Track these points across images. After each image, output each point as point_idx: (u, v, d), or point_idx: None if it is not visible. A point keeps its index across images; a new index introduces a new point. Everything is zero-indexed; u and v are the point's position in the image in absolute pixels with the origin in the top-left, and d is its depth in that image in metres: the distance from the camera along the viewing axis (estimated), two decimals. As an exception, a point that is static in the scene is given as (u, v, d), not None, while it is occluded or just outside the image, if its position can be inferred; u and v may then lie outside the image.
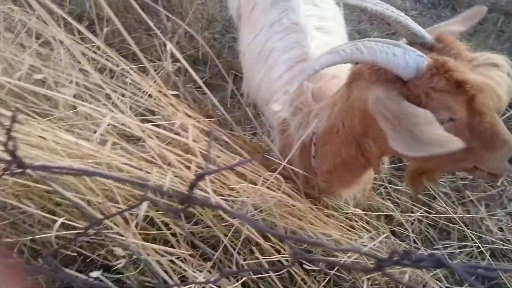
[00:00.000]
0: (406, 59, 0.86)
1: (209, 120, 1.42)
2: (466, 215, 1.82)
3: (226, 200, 0.94)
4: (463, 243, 1.76)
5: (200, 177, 0.36)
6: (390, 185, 1.99)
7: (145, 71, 2.64)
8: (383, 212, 1.83)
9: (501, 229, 1.76)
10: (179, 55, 1.28)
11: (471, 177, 2.00)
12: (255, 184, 0.98)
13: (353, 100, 0.99)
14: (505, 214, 1.83)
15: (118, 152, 1.02)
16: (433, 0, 2.95)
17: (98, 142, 1.03)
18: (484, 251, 1.67)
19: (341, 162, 1.18)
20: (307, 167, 1.32)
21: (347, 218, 1.54)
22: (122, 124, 1.14)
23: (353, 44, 0.90)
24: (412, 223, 1.84)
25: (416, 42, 0.96)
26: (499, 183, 1.92)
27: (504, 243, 1.71)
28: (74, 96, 1.26)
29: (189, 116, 1.43)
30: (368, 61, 0.88)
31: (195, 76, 1.39)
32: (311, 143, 1.26)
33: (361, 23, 2.81)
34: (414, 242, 1.76)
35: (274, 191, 0.99)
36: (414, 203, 1.89)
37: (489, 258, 1.65)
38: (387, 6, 0.99)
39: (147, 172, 0.95)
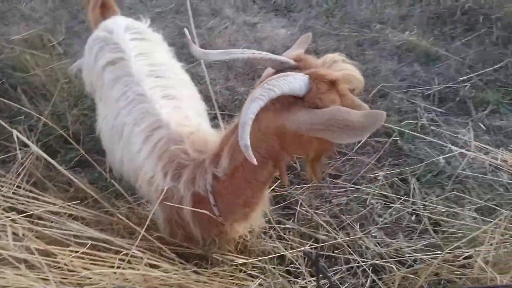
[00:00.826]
0: (298, 83, 1.06)
1: (76, 203, 1.36)
2: (347, 238, 1.99)
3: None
4: (349, 265, 1.91)
5: None
6: (279, 226, 2.10)
7: (11, 161, 2.48)
8: (275, 254, 1.91)
9: (376, 245, 1.95)
10: (28, 141, 1.23)
11: (345, 202, 2.21)
12: (117, 263, 0.96)
13: (265, 129, 1.14)
14: (377, 230, 2.04)
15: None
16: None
17: None
18: (366, 269, 1.84)
19: (258, 184, 1.30)
20: (209, 220, 1.36)
21: (236, 270, 1.57)
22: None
23: (263, 87, 1.04)
24: (303, 258, 1.94)
25: (285, 67, 1.17)
26: (367, 203, 2.15)
27: (382, 257, 1.90)
28: None
29: (54, 204, 1.36)
30: (279, 95, 1.04)
31: (51, 160, 1.34)
32: (207, 193, 1.31)
33: (229, 80, 3.01)
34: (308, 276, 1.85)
35: (134, 268, 0.98)
36: (302, 239, 2.01)
37: (371, 275, 1.81)
38: (252, 50, 1.16)
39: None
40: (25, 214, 1.20)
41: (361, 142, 2.42)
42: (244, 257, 1.71)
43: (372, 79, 2.90)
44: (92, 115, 2.71)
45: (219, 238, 1.61)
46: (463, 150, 2.17)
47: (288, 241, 2.03)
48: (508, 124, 2.51)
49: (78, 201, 1.40)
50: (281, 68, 1.16)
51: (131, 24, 1.90)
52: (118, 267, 0.92)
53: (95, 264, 0.91)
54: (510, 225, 1.64)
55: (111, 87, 1.62)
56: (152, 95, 1.51)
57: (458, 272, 1.62)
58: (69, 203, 1.28)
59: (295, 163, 2.38)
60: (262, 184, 1.32)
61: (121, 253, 0.99)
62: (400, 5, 3.55)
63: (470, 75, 2.83)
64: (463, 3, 3.42)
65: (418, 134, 2.31)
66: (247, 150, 1.02)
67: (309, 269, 1.89)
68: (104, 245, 1.04)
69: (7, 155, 2.51)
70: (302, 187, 2.30)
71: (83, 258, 0.94)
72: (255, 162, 1.04)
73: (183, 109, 1.52)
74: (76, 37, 3.36)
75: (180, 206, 1.32)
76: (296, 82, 1.06)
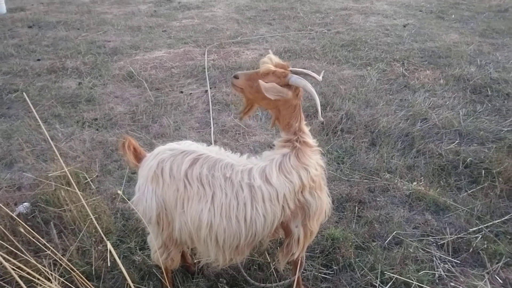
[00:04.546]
0: None
1: None
2: None
3: None
4: None
5: None
6: None
7: (31, 297, 2.49)
8: None
9: None
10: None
11: None
12: None
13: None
14: None
15: None
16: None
17: None
18: None
19: None
20: None
21: None
22: None
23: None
24: None
25: None
26: None
27: None
28: None
29: None
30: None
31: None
32: None
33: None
34: None
35: None
36: None
37: None
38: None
39: None
40: None
41: (381, 292, 2.42)
42: None
43: (386, 226, 3.02)
44: (117, 251, 2.80)
45: None
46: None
47: None
48: (524, 278, 2.53)
49: None
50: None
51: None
52: None
53: None
54: None
55: (207, 178, 1.93)
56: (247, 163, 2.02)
57: None
58: None
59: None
60: None
61: None
62: (405, 156, 3.86)
63: (480, 227, 2.95)
64: (464, 157, 3.73)
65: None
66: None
67: None
68: None
69: (28, 289, 2.54)
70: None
71: None
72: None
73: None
74: (109, 175, 3.64)
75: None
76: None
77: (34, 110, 1.55)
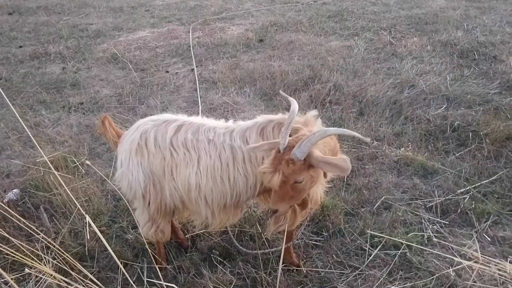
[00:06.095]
0: None
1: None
2: None
3: None
4: None
5: None
6: None
7: (25, 279, 2.51)
8: None
9: None
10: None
11: None
12: None
13: None
14: None
15: None
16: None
17: None
18: None
19: None
20: None
21: None
22: None
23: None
24: None
25: None
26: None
27: None
28: None
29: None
30: None
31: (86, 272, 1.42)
32: None
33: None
34: None
35: None
36: None
37: None
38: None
39: None
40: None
41: (372, 255, 2.46)
42: None
43: (374, 192, 3.05)
44: (109, 231, 2.81)
45: None
46: (471, 263, 2.21)
47: None
48: (511, 234, 2.58)
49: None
50: None
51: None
52: None
53: None
54: None
55: (192, 142, 1.96)
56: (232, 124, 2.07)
57: None
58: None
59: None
60: None
61: None
62: (393, 124, 3.87)
63: (467, 188, 2.99)
64: (451, 121, 3.74)
65: (426, 248, 2.37)
66: None
67: None
68: None
69: (23, 273, 2.56)
70: (314, 303, 2.29)
71: None
72: None
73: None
74: (98, 158, 3.63)
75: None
76: None
77: (6, 98, 1.51)
